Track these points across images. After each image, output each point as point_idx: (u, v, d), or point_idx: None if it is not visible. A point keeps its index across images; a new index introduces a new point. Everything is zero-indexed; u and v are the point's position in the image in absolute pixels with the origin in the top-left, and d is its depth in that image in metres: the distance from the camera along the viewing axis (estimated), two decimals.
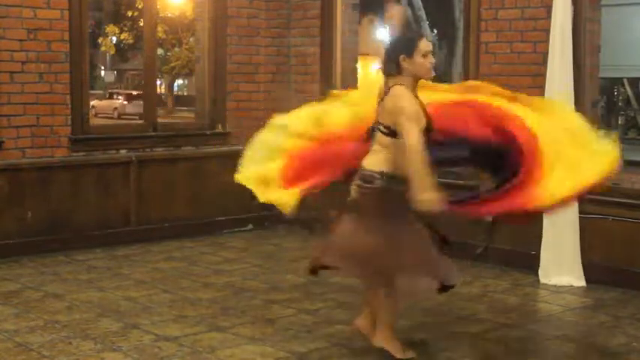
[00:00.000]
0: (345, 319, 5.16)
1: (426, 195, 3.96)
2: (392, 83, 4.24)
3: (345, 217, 4.38)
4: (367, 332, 4.53)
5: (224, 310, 5.36)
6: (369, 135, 4.37)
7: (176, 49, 31.10)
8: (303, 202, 4.47)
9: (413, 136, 4.03)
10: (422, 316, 5.19)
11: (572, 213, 6.07)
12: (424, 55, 4.24)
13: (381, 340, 4.41)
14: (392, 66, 4.25)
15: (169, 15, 28.06)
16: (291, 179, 4.52)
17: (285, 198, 4.47)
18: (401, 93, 4.18)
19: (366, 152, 4.34)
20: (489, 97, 4.51)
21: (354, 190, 4.29)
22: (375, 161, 4.24)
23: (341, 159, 4.53)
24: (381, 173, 4.20)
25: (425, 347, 4.58)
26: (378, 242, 4.20)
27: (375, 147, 4.27)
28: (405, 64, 4.23)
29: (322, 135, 4.63)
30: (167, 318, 5.14)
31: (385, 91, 4.27)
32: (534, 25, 6.40)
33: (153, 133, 7.61)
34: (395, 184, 4.15)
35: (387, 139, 4.23)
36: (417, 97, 4.25)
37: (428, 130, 4.18)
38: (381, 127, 4.24)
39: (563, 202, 4.20)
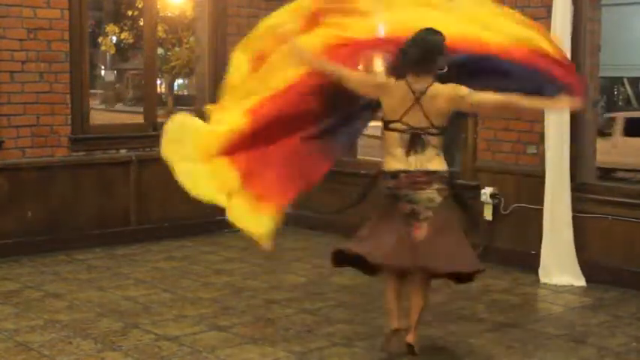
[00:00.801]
0: (345, 318, 5.16)
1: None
2: (426, 83, 4.28)
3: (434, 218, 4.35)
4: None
5: (224, 309, 5.36)
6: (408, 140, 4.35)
7: (176, 48, 31.06)
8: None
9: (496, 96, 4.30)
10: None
11: (567, 213, 6.08)
12: (445, 54, 4.35)
13: (414, 336, 4.41)
14: (428, 68, 4.29)
15: (169, 14, 28.01)
16: (261, 191, 4.46)
17: (263, 224, 4.41)
18: (445, 85, 4.29)
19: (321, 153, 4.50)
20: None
21: (433, 194, 4.31)
22: (442, 163, 4.37)
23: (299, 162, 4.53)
24: (451, 173, 4.44)
25: (425, 347, 4.58)
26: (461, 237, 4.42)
27: (431, 151, 4.32)
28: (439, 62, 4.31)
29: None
30: (167, 317, 5.14)
31: (421, 91, 4.27)
32: None
33: (153, 133, 7.59)
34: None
35: (438, 140, 4.34)
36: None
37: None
38: (433, 130, 4.30)
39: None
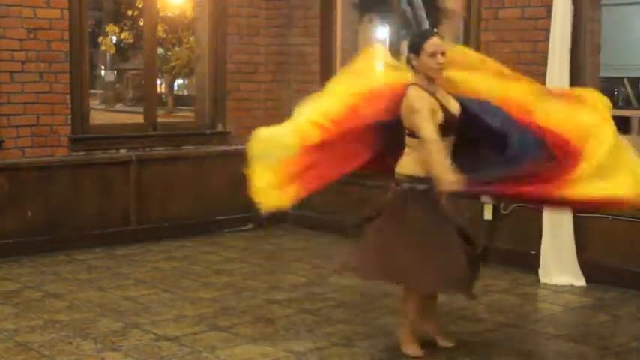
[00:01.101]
0: (345, 318, 5.16)
1: (447, 177, 4.05)
2: (410, 81, 4.34)
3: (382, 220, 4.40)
4: (435, 334, 4.62)
5: (224, 309, 5.36)
6: (389, 136, 4.41)
7: (176, 48, 31.05)
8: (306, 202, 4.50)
9: (425, 130, 4.15)
10: None
11: (571, 213, 6.08)
12: (431, 55, 4.26)
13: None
14: (409, 63, 4.36)
15: (169, 14, 28.00)
16: (295, 174, 4.49)
17: (284, 197, 4.46)
18: (413, 93, 4.26)
19: (367, 153, 4.46)
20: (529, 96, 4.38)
21: (391, 191, 4.38)
22: (404, 166, 4.34)
23: (347, 159, 4.54)
24: (411, 177, 4.30)
25: (425, 347, 4.58)
26: (415, 245, 4.26)
27: (406, 150, 4.36)
28: (414, 62, 4.31)
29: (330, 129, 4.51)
30: (167, 317, 5.14)
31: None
32: (534, 25, 6.40)
33: (153, 133, 7.61)
34: (424, 185, 4.24)
35: (414, 141, 4.31)
36: (433, 93, 4.29)
37: (450, 123, 4.27)
38: (406, 130, 4.34)
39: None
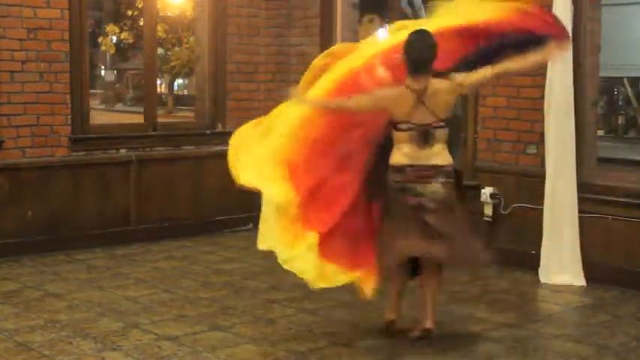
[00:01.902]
0: (345, 318, 5.16)
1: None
2: (425, 82, 4.49)
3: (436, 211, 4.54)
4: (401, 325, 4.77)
5: (224, 309, 5.36)
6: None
7: (176, 48, 31.04)
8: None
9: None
10: None
11: (572, 212, 6.08)
12: None
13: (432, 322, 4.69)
14: (429, 69, 4.50)
15: (169, 14, 28.00)
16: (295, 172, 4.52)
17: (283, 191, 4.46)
18: (439, 80, 4.52)
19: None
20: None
21: (437, 187, 4.52)
22: (447, 158, 4.60)
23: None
24: (454, 168, 4.63)
25: (425, 347, 4.58)
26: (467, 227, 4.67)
27: (438, 145, 4.55)
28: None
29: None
30: (167, 317, 5.14)
31: (421, 91, 4.48)
32: None
33: (153, 133, 7.61)
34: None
35: (444, 133, 4.59)
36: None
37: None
38: (440, 124, 4.54)
39: None
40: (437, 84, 4.52)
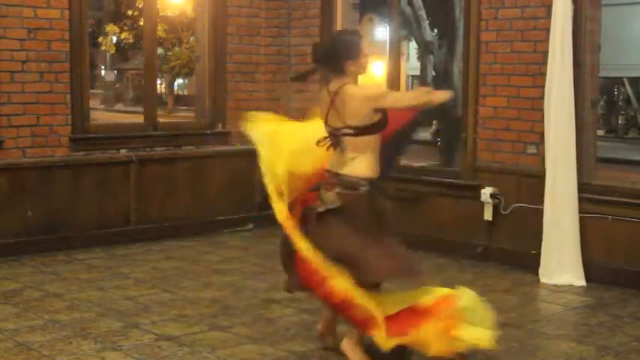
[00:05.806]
0: None
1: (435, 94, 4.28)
2: (339, 84, 4.19)
3: (326, 223, 4.25)
4: (325, 335, 4.59)
5: (224, 309, 5.36)
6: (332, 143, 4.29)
7: (176, 48, 31.10)
8: None
9: (404, 95, 4.48)
10: None
11: (572, 212, 6.09)
12: (365, 55, 4.28)
13: (348, 346, 4.36)
14: (338, 68, 4.22)
15: (169, 14, 28.05)
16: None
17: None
18: (360, 86, 4.26)
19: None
20: None
21: (332, 196, 4.22)
22: (355, 168, 4.20)
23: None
24: (366, 179, 4.21)
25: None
26: (366, 245, 4.17)
27: (350, 154, 4.21)
28: (352, 67, 4.23)
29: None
30: (167, 317, 5.14)
31: (333, 94, 4.19)
32: (534, 25, 6.40)
33: (153, 133, 7.61)
34: (376, 188, 4.26)
35: (357, 141, 4.19)
36: None
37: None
38: (348, 131, 4.18)
39: None
40: (352, 89, 4.16)
